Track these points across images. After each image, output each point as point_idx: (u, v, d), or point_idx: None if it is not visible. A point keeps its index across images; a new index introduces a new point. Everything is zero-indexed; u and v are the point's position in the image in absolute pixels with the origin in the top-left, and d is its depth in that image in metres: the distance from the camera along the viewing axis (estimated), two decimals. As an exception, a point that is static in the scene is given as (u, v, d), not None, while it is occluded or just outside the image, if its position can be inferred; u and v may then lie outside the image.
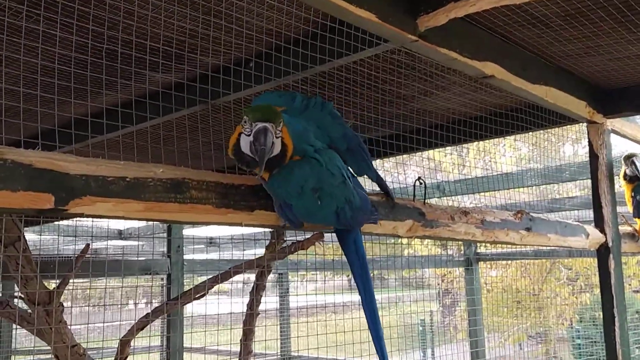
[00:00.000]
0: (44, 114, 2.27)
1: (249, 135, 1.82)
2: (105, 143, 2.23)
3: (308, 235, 2.36)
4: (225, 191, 1.90)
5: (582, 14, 2.60)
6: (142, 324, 2.46)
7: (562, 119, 3.64)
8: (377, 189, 2.43)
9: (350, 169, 2.20)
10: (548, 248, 7.57)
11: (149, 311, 2.63)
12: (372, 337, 2.08)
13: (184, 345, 5.35)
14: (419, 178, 2.58)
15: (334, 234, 2.19)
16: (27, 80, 2.29)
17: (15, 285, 2.88)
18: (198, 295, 2.51)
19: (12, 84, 2.22)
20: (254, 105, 1.97)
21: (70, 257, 5.03)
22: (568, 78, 3.29)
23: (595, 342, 10.68)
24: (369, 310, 2.07)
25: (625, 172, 4.22)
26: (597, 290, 12.34)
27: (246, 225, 2.00)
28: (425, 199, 2.58)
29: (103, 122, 2.03)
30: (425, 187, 2.56)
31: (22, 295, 2.41)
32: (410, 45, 2.45)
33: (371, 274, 2.15)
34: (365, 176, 2.32)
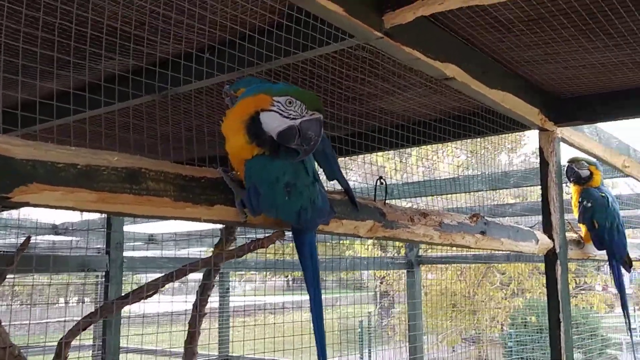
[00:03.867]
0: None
1: (295, 119, 1.79)
2: (54, 129, 2.05)
3: (268, 233, 2.27)
4: (185, 184, 1.78)
5: (544, 19, 2.61)
6: (86, 324, 2.29)
7: (515, 124, 3.67)
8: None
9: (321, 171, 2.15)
10: (486, 252, 7.73)
11: (93, 309, 2.46)
12: (317, 348, 1.97)
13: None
14: (380, 177, 2.52)
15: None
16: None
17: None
18: (150, 292, 2.37)
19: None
20: (299, 90, 1.89)
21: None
22: (524, 84, 3.32)
23: (525, 345, 11.04)
24: (316, 318, 1.97)
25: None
26: (529, 295, 12.83)
27: (205, 220, 1.88)
28: (385, 199, 2.53)
29: (53, 104, 1.86)
30: (386, 187, 2.51)
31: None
32: (376, 42, 2.40)
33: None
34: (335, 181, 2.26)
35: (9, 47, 1.98)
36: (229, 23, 2.23)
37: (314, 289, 1.98)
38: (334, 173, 2.19)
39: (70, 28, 1.87)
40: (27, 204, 1.46)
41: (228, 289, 8.66)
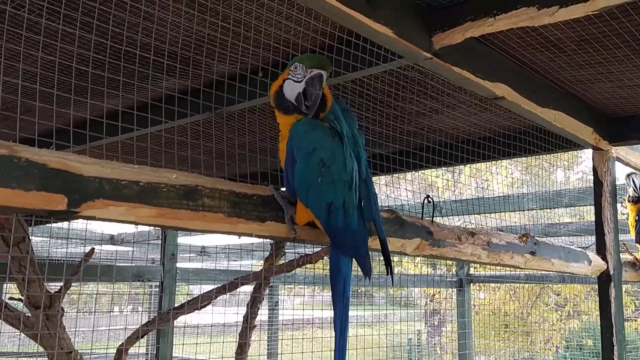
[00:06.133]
0: (57, 112, 2.22)
1: (300, 81, 1.87)
2: (119, 144, 2.19)
3: (317, 249, 2.32)
4: (238, 200, 1.86)
5: (596, 39, 2.60)
6: (144, 332, 2.40)
7: (568, 143, 3.63)
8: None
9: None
10: (540, 272, 7.56)
11: (146, 318, 2.57)
12: None
13: (173, 354, 5.26)
14: (428, 196, 2.55)
15: None
16: (42, 77, 2.25)
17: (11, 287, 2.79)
18: (205, 303, 2.46)
19: (28, 81, 2.17)
20: (303, 55, 1.97)
21: (62, 259, 4.94)
22: (576, 103, 3.29)
23: (581, 369, 10.68)
24: (339, 355, 1.87)
25: (629, 193, 4.22)
26: (585, 317, 12.42)
27: (257, 236, 1.95)
28: (433, 218, 2.55)
29: (118, 124, 1.99)
30: (433, 205, 2.54)
31: (22, 298, 2.35)
32: (424, 63, 2.44)
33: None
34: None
35: (79, 71, 2.13)
36: (282, 46, 2.32)
37: (340, 333, 1.87)
38: (371, 213, 1.98)
39: (134, 53, 2.00)
40: (93, 218, 1.57)
41: (277, 302, 8.73)
